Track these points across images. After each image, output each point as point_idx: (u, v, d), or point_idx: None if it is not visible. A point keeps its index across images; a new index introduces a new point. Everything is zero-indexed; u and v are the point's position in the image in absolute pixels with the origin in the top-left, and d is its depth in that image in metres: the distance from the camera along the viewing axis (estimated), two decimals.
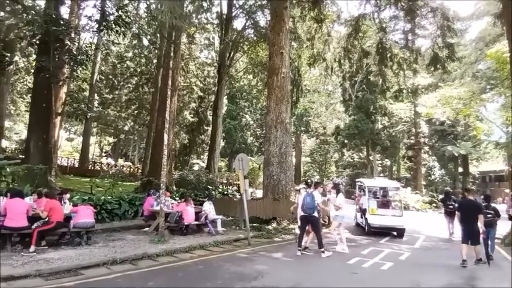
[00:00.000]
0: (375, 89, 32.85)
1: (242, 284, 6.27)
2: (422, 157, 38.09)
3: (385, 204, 13.35)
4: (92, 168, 30.20)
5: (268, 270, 7.31)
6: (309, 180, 19.84)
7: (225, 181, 30.28)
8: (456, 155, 36.95)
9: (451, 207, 12.63)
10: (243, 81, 36.23)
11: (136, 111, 34.98)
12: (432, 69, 22.11)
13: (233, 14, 23.60)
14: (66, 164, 29.54)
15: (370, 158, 39.94)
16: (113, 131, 41.85)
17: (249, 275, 6.87)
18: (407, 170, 44.31)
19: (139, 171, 27.69)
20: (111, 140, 49.88)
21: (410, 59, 22.34)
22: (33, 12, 14.71)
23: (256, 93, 35.44)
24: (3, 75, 23.24)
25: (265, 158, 15.21)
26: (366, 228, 12.82)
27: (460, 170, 41.32)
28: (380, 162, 47.31)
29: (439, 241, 12.70)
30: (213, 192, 17.81)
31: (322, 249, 8.76)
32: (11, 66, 23.05)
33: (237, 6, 23.88)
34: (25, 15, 15.05)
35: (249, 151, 39.22)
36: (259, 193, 21.45)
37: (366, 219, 12.93)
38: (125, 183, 19.50)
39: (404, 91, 30.62)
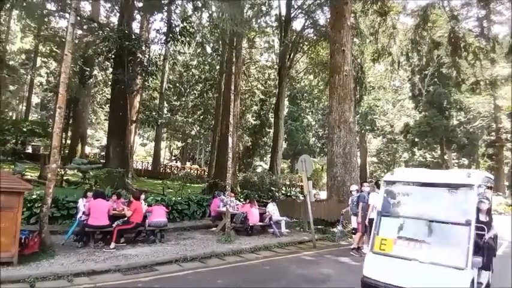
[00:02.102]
0: (448, 82, 30.35)
1: (309, 286, 6.20)
2: (504, 155, 34.25)
3: None
4: (163, 171, 32.26)
5: (334, 274, 7.14)
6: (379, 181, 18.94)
7: (288, 182, 30.21)
8: None
9: None
10: (303, 81, 35.90)
11: (201, 116, 36.54)
12: None
13: (292, 15, 23.54)
14: (140, 168, 31.99)
15: (445, 157, 36.93)
16: (181, 135, 44.22)
17: (316, 278, 6.78)
18: (487, 170, 40.10)
19: (206, 173, 28.89)
20: (179, 144, 52.74)
21: (486, 48, 20.30)
22: (108, 29, 16.23)
23: (318, 93, 34.89)
24: (85, 88, 25.98)
25: (329, 158, 14.88)
26: None
27: None
28: (456, 161, 43.49)
29: None
30: (277, 193, 17.87)
31: None
32: (91, 80, 25.67)
33: (296, 7, 23.77)
34: (101, 32, 16.63)
35: (312, 152, 38.69)
36: (322, 194, 21.05)
37: None
38: (192, 185, 20.48)
39: (481, 83, 27.77)
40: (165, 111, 35.27)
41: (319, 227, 12.19)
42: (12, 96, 39.44)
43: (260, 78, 33.57)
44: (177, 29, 16.31)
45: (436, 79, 34.16)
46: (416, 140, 37.26)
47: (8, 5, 19.04)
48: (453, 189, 4.81)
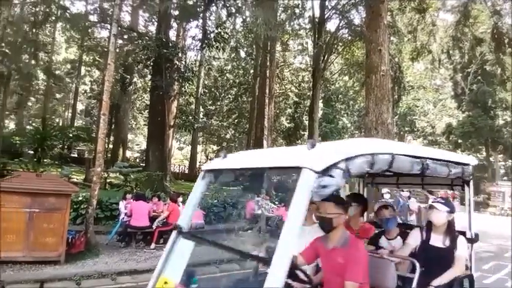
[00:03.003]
0: (493, 79, 28.58)
1: None
2: None
3: None
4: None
5: None
6: None
7: None
8: None
9: None
10: (338, 83, 35.31)
11: (236, 120, 36.96)
12: None
13: (326, 16, 23.26)
14: (177, 171, 32.87)
15: (491, 159, 34.76)
16: (216, 139, 44.92)
17: None
18: None
19: None
20: (214, 147, 53.62)
21: None
22: (147, 38, 16.88)
23: (353, 95, 34.16)
24: (126, 95, 27.15)
25: None
26: None
27: None
28: (503, 163, 40.83)
29: None
30: None
31: None
32: (131, 87, 26.79)
33: (329, 7, 23.46)
34: (140, 41, 17.34)
35: None
36: None
37: None
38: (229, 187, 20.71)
39: None
40: (201, 116, 36.01)
41: None
42: (59, 103, 42.02)
43: (294, 81, 33.43)
44: (212, 35, 16.67)
45: (479, 77, 32.29)
46: (459, 141, 35.40)
47: (53, 18, 20.31)
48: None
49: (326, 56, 23.90)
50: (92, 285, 5.94)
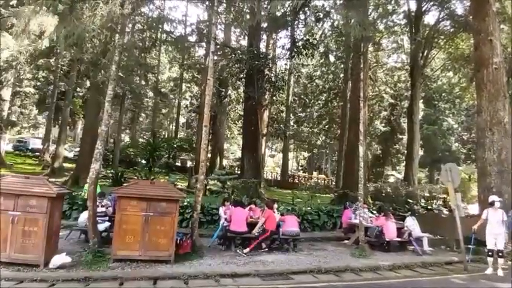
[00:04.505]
0: None
1: None
2: None
3: None
4: (291, 180, 33.11)
5: None
6: None
7: (428, 194, 27.18)
8: None
9: None
10: (441, 80, 32.13)
11: (327, 126, 36.32)
12: None
13: (423, 8, 21.46)
14: (270, 178, 33.55)
15: None
16: (307, 146, 44.78)
17: None
18: None
19: (333, 183, 28.39)
20: (305, 154, 53.44)
21: None
22: (239, 52, 17.74)
23: (459, 92, 30.65)
24: (221, 107, 28.88)
25: (480, 167, 12.76)
26: None
27: None
28: None
29: None
30: (415, 206, 16.27)
31: None
32: (226, 99, 28.40)
33: None
34: (233, 55, 18.31)
35: (455, 159, 33.87)
36: (471, 208, 18.17)
37: None
38: (321, 195, 20.36)
39: None
40: (292, 123, 36.34)
41: (471, 246, 10.50)
42: (165, 117, 46.82)
43: (389, 81, 31.51)
44: (300, 42, 16.77)
45: None
46: None
47: (158, 42, 22.77)
48: None
49: (426, 52, 22.09)
50: (198, 285, 6.35)
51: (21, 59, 15.66)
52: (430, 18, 29.72)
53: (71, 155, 32.03)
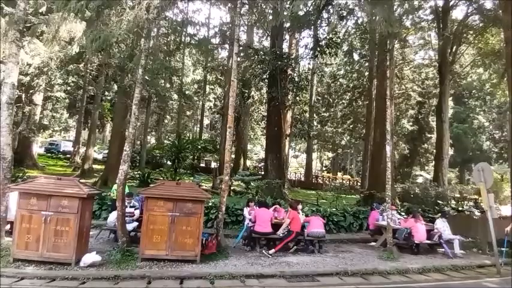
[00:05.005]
0: None
1: None
2: None
3: None
4: (315, 181, 32.79)
5: None
6: None
7: (458, 195, 26.22)
8: None
9: None
10: (470, 77, 30.95)
11: (351, 126, 35.78)
12: None
13: (450, 3, 20.73)
14: (294, 178, 33.36)
15: None
16: (331, 146, 44.26)
17: None
18: None
19: (359, 184, 27.89)
20: (330, 154, 52.81)
21: None
22: (262, 53, 17.74)
23: (490, 89, 29.39)
24: (244, 108, 28.98)
25: None
26: None
27: None
28: None
29: None
30: (445, 207, 15.71)
31: None
32: (249, 100, 28.47)
33: None
34: (256, 56, 18.32)
35: (486, 158, 32.57)
36: (504, 210, 17.38)
37: None
38: (346, 196, 20.04)
39: None
40: (315, 123, 36.01)
41: (504, 249, 10.02)
42: (189, 119, 47.59)
43: (416, 79, 30.64)
44: (324, 41, 16.56)
45: None
46: None
47: (182, 45, 23.12)
48: None
49: (454, 48, 21.34)
50: (224, 286, 6.38)
51: (52, 65, 16.34)
52: (458, 13, 28.67)
53: (100, 156, 33.13)
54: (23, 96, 20.53)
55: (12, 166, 7.84)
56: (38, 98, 23.36)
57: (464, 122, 33.90)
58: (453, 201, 19.93)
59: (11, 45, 7.87)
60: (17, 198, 6.88)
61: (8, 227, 7.72)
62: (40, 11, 8.58)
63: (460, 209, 18.15)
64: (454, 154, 32.86)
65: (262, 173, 20.65)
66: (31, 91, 21.24)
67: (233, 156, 31.58)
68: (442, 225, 10.23)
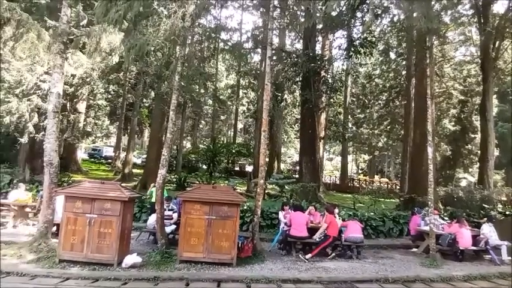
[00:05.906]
0: None
1: None
2: None
3: None
4: (351, 184, 32.04)
5: None
6: None
7: (505, 198, 24.58)
8: None
9: None
10: None
11: (388, 127, 34.64)
12: None
13: None
14: (328, 182, 32.82)
15: None
16: (367, 148, 43.09)
17: None
18: None
19: (397, 187, 26.94)
20: (366, 157, 51.44)
21: None
22: (294, 55, 17.65)
23: None
24: (278, 111, 28.93)
25: None
26: None
27: None
28: None
29: None
30: (492, 212, 14.80)
31: None
32: (282, 103, 28.41)
33: None
34: (289, 59, 18.26)
35: None
36: None
37: None
38: (384, 200, 19.42)
39: None
40: (350, 125, 35.28)
41: None
42: (223, 124, 48.24)
43: (457, 76, 29.20)
44: (358, 41, 16.21)
45: None
46: None
47: (215, 51, 23.53)
48: None
49: (497, 43, 20.15)
50: None
51: (94, 75, 17.21)
52: (499, 7, 27.04)
53: (139, 161, 34.39)
54: (68, 105, 21.76)
55: (58, 171, 8.30)
56: (82, 106, 24.66)
57: (510, 120, 31.77)
58: (500, 205, 18.74)
59: (55, 57, 8.35)
60: (63, 202, 7.27)
61: (54, 228, 8.18)
62: (81, 24, 9.06)
63: (507, 213, 17.03)
64: (499, 155, 30.79)
65: (297, 176, 20.49)
66: (75, 100, 22.47)
67: (267, 159, 31.65)
68: (488, 230, 9.64)
